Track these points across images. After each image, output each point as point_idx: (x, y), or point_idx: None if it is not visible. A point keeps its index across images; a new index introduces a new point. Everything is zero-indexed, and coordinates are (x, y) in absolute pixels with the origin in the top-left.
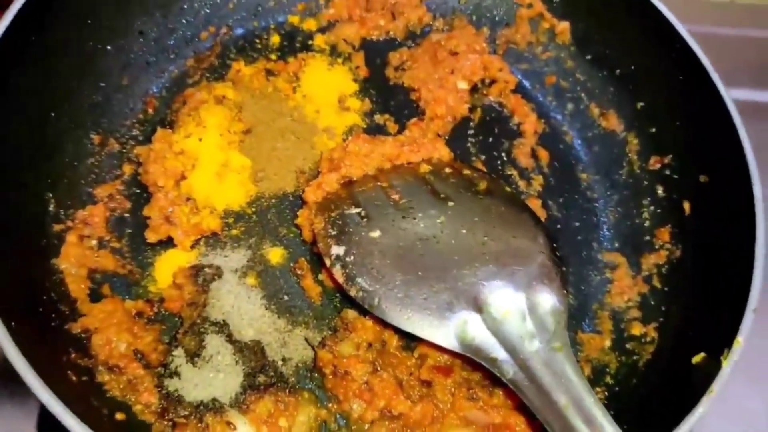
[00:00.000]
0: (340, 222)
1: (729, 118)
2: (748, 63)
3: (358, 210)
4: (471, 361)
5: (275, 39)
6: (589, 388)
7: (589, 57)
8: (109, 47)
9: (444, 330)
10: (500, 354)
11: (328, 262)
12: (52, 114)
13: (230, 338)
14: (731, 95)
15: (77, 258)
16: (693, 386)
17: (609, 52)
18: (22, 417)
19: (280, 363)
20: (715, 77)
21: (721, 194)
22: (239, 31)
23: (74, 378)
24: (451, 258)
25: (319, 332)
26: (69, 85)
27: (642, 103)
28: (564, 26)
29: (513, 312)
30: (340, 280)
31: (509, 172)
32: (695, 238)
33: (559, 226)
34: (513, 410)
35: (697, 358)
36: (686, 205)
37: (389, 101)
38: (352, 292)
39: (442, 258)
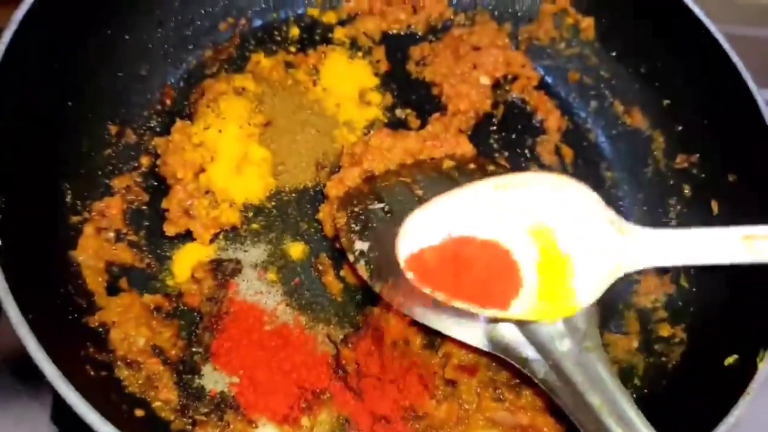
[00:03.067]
0: (363, 217)
1: (760, 118)
2: None
3: (381, 205)
4: (497, 361)
5: (294, 31)
6: (622, 389)
7: (613, 53)
8: (127, 36)
9: (473, 328)
10: (531, 353)
11: (351, 258)
12: (69, 103)
13: None
14: (762, 96)
15: (94, 250)
16: (726, 388)
17: (634, 49)
18: (37, 410)
19: None
20: (747, 77)
21: (751, 194)
22: (258, 22)
23: (92, 372)
24: None
25: (342, 329)
26: (86, 74)
27: (668, 101)
28: (588, 22)
29: None
30: (365, 276)
31: (533, 169)
32: None
33: None
34: (541, 411)
35: (729, 360)
36: (714, 205)
37: (411, 96)
38: (377, 289)
39: None
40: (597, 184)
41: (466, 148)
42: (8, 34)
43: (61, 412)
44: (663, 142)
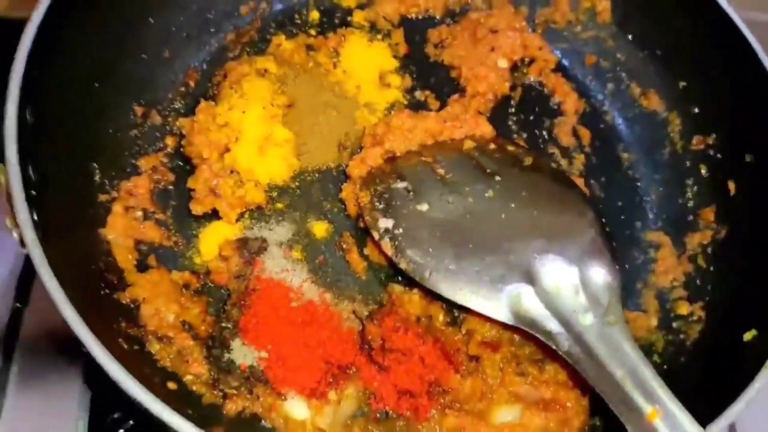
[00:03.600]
0: (386, 196)
1: None
2: None
3: (404, 184)
4: (521, 336)
5: (314, 14)
6: (645, 361)
7: (630, 36)
8: (150, 19)
9: (497, 302)
10: (554, 327)
11: (376, 236)
12: (96, 85)
13: None
14: None
15: (123, 228)
16: (746, 362)
17: (650, 31)
18: (71, 375)
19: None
20: (764, 58)
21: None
22: (278, 6)
23: (126, 346)
24: (502, 231)
25: (366, 306)
26: (112, 57)
27: (684, 83)
28: (605, 5)
29: (566, 285)
30: (390, 252)
31: (551, 151)
32: (741, 217)
33: (601, 205)
34: (563, 385)
35: (748, 335)
36: (731, 185)
37: (430, 78)
38: (402, 265)
39: (492, 231)
40: (614, 165)
41: (486, 129)
42: (36, 20)
43: (94, 377)
44: (679, 123)
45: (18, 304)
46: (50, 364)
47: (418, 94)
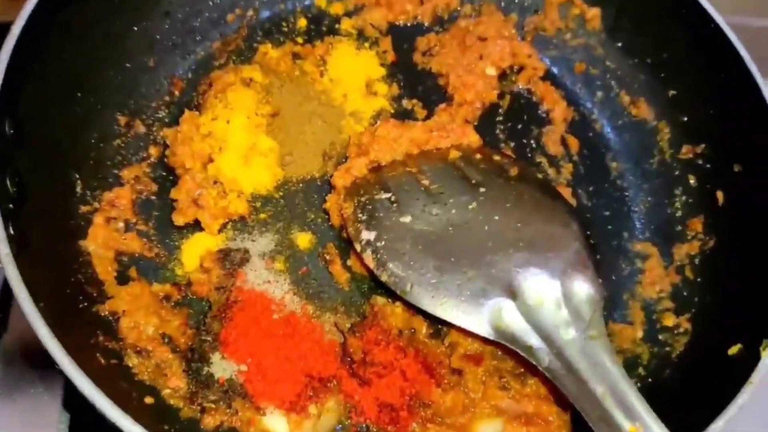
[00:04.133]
0: (369, 207)
1: (765, 108)
2: None
3: (388, 195)
4: (502, 350)
5: (302, 22)
6: (626, 378)
7: (619, 44)
8: (135, 27)
9: (478, 317)
10: (535, 342)
11: (358, 248)
12: (79, 94)
13: None
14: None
15: (104, 240)
16: (730, 378)
17: (640, 39)
18: (49, 397)
19: None
20: (753, 67)
21: (756, 183)
22: (265, 13)
23: (103, 361)
24: (485, 244)
25: (348, 318)
26: (95, 65)
27: (674, 92)
28: (594, 12)
29: (548, 299)
30: (371, 265)
31: (539, 160)
32: (729, 227)
33: (588, 215)
34: (545, 400)
35: (733, 350)
36: (719, 195)
37: (417, 86)
38: (384, 278)
39: (475, 244)
40: (602, 174)
41: (473, 138)
42: (18, 27)
43: (73, 398)
44: (668, 132)
45: None
46: (29, 383)
47: (405, 102)
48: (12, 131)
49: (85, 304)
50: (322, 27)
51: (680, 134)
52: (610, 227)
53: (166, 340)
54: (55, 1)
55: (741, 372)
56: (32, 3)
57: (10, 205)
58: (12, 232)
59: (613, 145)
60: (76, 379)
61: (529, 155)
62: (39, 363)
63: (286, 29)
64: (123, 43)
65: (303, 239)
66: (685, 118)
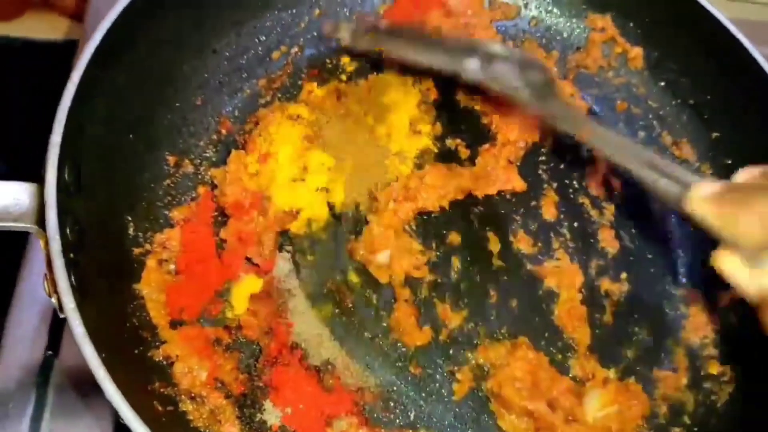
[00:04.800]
0: None
1: None
2: None
3: None
4: None
5: (346, 59)
6: None
7: (662, 84)
8: (185, 67)
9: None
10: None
11: None
12: (131, 136)
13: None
14: None
15: (157, 283)
16: None
17: (683, 80)
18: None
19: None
20: None
21: None
22: (310, 51)
23: (160, 408)
24: None
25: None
26: (149, 106)
27: (717, 134)
28: (637, 52)
29: None
30: None
31: (581, 201)
32: None
33: (632, 257)
34: None
35: None
36: None
37: (460, 125)
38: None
39: None
40: (645, 216)
41: (517, 184)
42: (78, 74)
43: None
44: (711, 175)
45: (50, 352)
46: (80, 415)
47: (448, 141)
48: (71, 178)
49: (141, 348)
50: (366, 65)
51: (723, 177)
52: (653, 270)
53: (219, 385)
54: (114, 48)
55: None
56: (91, 49)
57: (71, 255)
58: (74, 282)
59: None
60: (138, 430)
61: (572, 196)
62: (90, 390)
63: (330, 66)
64: (175, 82)
65: (350, 279)
66: (729, 162)
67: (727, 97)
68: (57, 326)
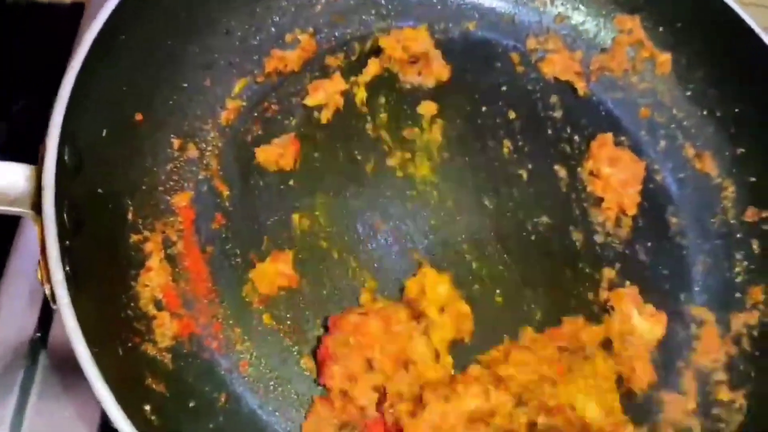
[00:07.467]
0: None
1: None
2: None
3: None
4: None
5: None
6: None
7: (688, 93)
8: (194, 44)
9: None
10: None
11: None
12: (135, 116)
13: None
14: None
15: (156, 271)
16: None
17: (711, 90)
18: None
19: None
20: None
21: None
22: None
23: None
24: None
25: None
26: (154, 87)
27: (742, 149)
28: (665, 58)
29: None
30: None
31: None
32: None
33: (646, 272)
34: None
35: None
36: None
37: None
38: None
39: None
40: (662, 230)
41: None
42: (82, 52)
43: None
44: (733, 192)
45: (38, 334)
46: (68, 397)
47: None
48: (71, 161)
49: (136, 341)
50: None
51: (746, 195)
52: (667, 287)
53: None
54: (120, 24)
55: None
56: (96, 29)
57: (67, 242)
58: (68, 270)
59: (674, 199)
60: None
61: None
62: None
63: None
64: (183, 63)
65: None
66: (753, 179)
67: (757, 111)
68: (46, 308)
